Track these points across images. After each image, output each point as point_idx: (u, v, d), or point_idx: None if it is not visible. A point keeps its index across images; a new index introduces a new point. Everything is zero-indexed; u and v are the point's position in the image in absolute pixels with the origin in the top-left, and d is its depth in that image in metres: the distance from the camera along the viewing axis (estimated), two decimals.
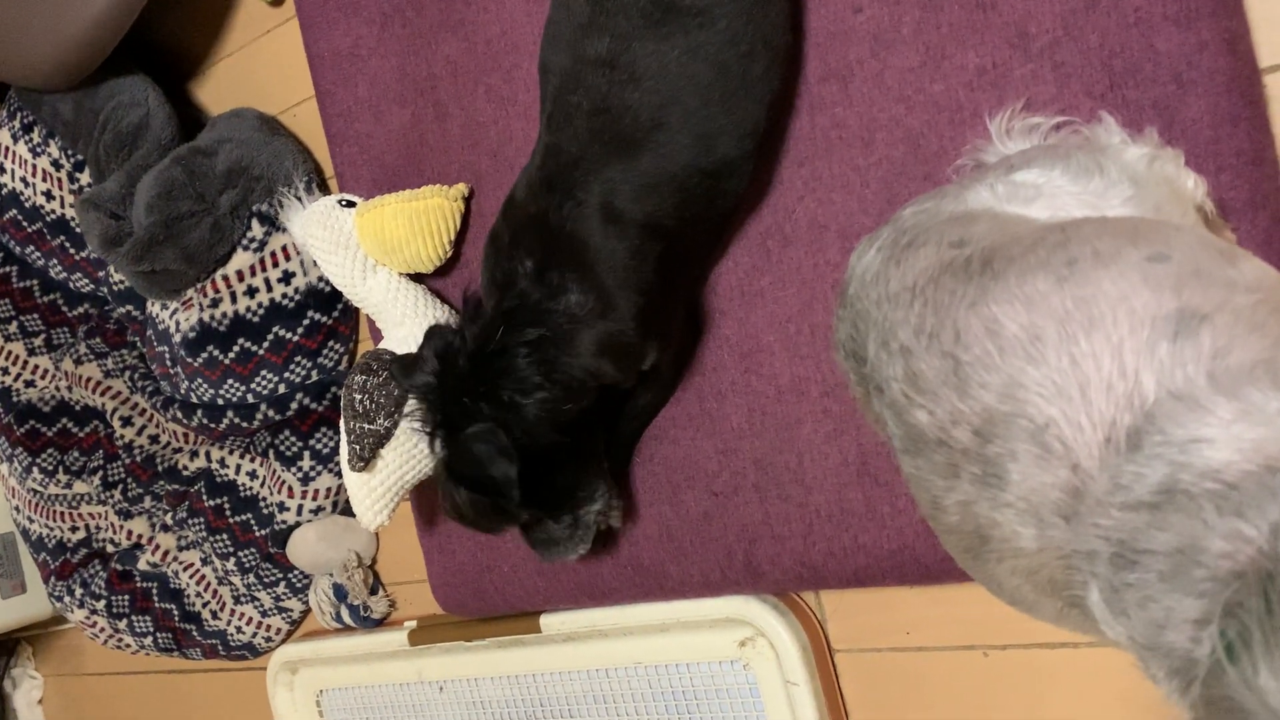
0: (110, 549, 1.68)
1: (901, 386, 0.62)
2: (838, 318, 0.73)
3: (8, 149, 1.54)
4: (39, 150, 1.51)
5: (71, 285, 1.63)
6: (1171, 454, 0.49)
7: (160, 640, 1.63)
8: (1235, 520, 0.45)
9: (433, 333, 0.99)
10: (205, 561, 1.57)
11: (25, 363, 1.64)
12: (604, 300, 0.90)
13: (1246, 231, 0.81)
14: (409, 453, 1.16)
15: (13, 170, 1.54)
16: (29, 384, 1.65)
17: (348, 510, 1.43)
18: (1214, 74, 0.82)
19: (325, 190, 1.40)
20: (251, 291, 1.35)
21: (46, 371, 1.65)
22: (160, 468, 1.61)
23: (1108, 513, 0.51)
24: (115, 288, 1.53)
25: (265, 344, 1.36)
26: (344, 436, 1.17)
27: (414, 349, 1.18)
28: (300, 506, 1.43)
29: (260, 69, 1.46)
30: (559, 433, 0.94)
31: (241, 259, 1.34)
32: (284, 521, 1.45)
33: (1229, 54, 0.81)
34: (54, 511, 1.67)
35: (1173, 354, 0.51)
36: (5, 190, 1.57)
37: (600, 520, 1.04)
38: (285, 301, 1.36)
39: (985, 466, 0.56)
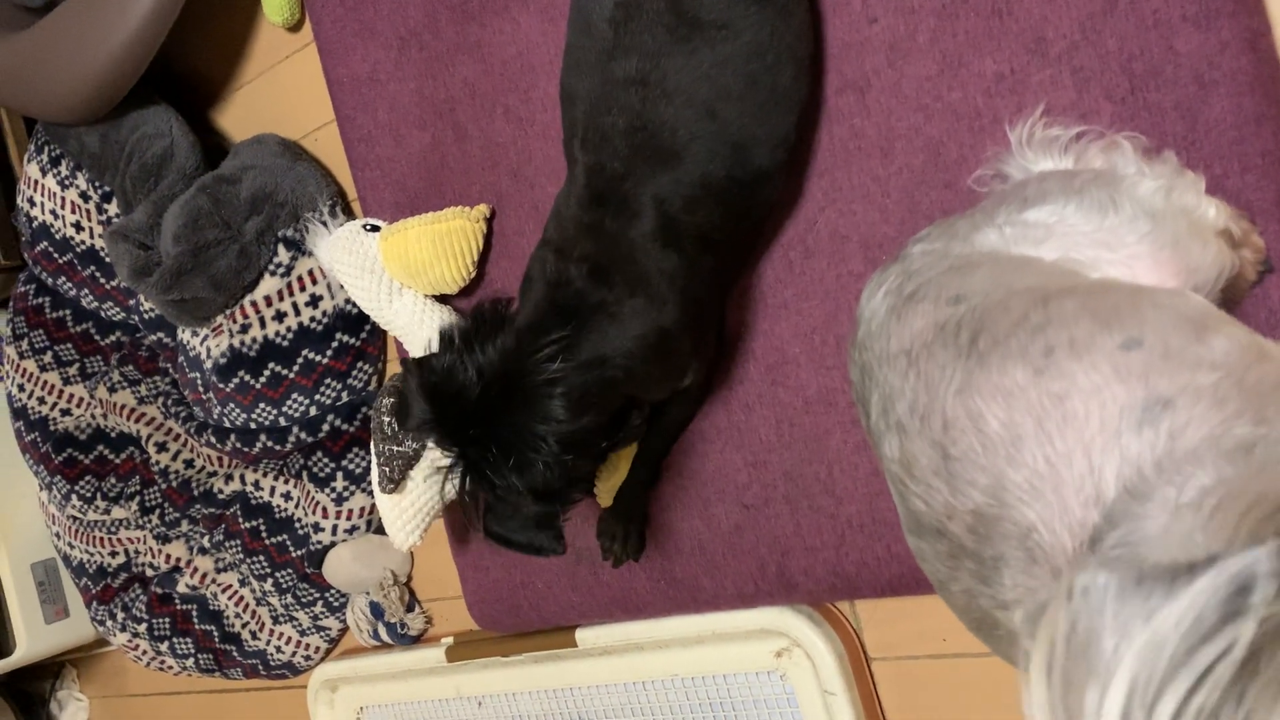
0: (150, 573, 1.70)
1: (898, 470, 0.63)
2: (850, 359, 0.73)
3: (37, 182, 1.56)
4: (67, 183, 1.53)
5: (103, 314, 1.65)
6: (1121, 555, 0.49)
7: (201, 661, 1.65)
8: None
9: (414, 366, 0.91)
10: (243, 583, 1.59)
11: (61, 392, 1.67)
12: (659, 304, 0.90)
13: (1274, 233, 0.80)
14: (439, 473, 1.17)
15: (42, 203, 1.57)
16: (65, 413, 1.67)
17: (382, 529, 1.45)
18: (1236, 74, 0.81)
19: (349, 214, 1.41)
20: (280, 316, 1.36)
21: (82, 400, 1.67)
22: (196, 492, 1.63)
23: None
24: (146, 316, 1.55)
25: (295, 367, 1.38)
26: (374, 459, 1.18)
27: None
28: (335, 526, 1.45)
29: (280, 95, 1.48)
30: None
31: (269, 284, 1.35)
32: (319, 542, 1.46)
33: (1250, 53, 0.81)
34: (93, 537, 1.69)
35: (1135, 444, 0.52)
36: (36, 223, 1.59)
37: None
38: (313, 325, 1.37)
39: (981, 565, 0.57)
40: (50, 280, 1.64)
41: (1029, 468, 0.54)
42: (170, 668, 1.71)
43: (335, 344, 1.38)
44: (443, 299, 1.25)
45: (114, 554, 1.70)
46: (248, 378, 1.38)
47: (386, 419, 1.17)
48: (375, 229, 1.24)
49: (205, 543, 1.64)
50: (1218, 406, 0.52)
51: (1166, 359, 0.55)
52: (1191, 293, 0.66)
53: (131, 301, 1.59)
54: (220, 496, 1.61)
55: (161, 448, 1.63)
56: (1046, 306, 0.59)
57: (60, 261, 1.60)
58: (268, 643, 1.60)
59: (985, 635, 0.61)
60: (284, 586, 1.52)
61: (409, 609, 1.47)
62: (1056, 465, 0.53)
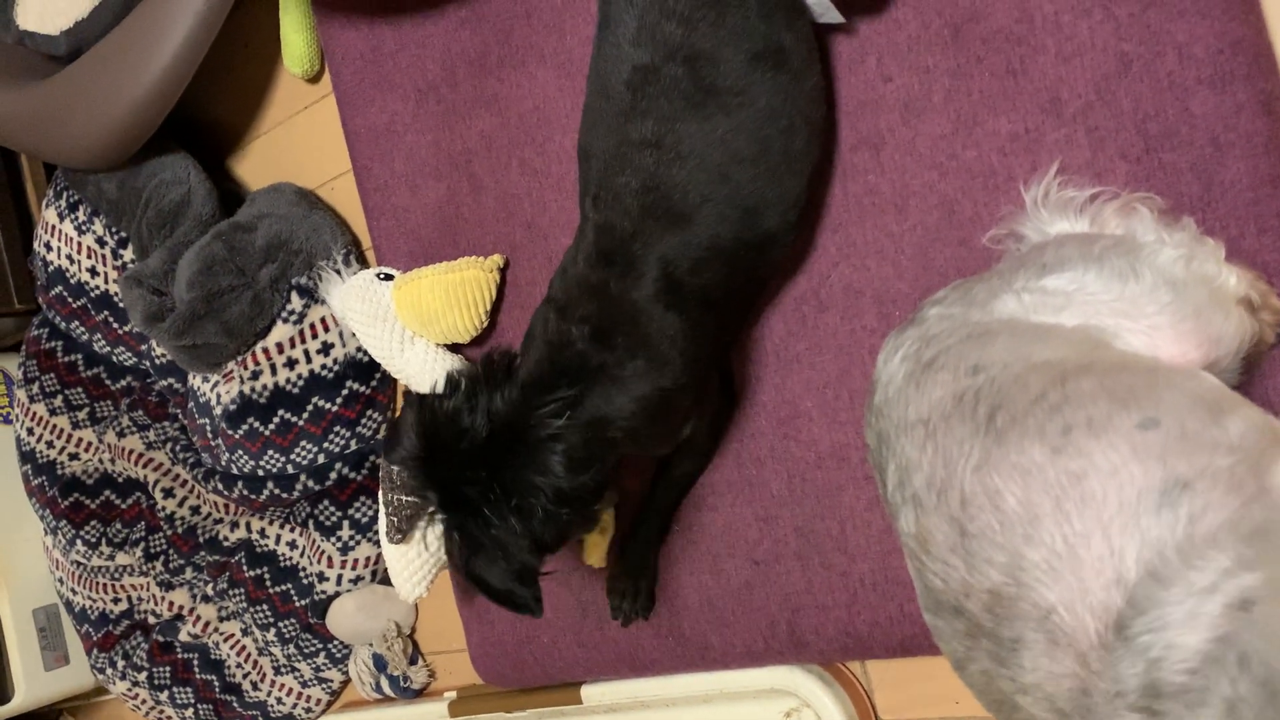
0: (152, 620, 1.69)
1: (914, 545, 0.62)
2: (867, 423, 0.73)
3: (54, 227, 1.57)
4: (84, 228, 1.55)
5: (115, 359, 1.65)
6: (1150, 642, 0.49)
7: (201, 711, 1.63)
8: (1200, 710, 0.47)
9: (416, 403, 0.92)
10: (246, 632, 1.57)
11: (70, 436, 1.66)
12: (660, 365, 0.90)
13: None
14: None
15: (59, 248, 1.58)
16: (73, 457, 1.67)
17: (387, 580, 1.43)
18: (1251, 136, 0.81)
19: (363, 263, 1.41)
20: (291, 363, 1.36)
21: (90, 444, 1.67)
22: (201, 539, 1.62)
23: (1118, 712, 0.51)
24: (157, 361, 1.55)
25: (305, 415, 1.37)
26: (382, 509, 1.18)
27: None
28: (340, 576, 1.43)
29: (298, 144, 1.49)
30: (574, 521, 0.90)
31: (281, 331, 1.36)
32: (323, 592, 1.45)
33: (1265, 116, 0.81)
34: (97, 583, 1.68)
35: (1155, 527, 0.52)
36: (52, 267, 1.60)
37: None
38: (324, 372, 1.37)
39: (999, 646, 0.56)
40: (64, 324, 1.64)
41: (1047, 547, 0.54)
42: (169, 718, 1.68)
43: (345, 391, 1.38)
44: (454, 348, 1.25)
45: (116, 600, 1.69)
46: (257, 424, 1.38)
47: (395, 468, 1.17)
48: (389, 278, 1.25)
49: (209, 590, 1.62)
50: (1235, 490, 0.52)
51: (1184, 440, 0.54)
52: (1205, 373, 0.66)
53: (143, 347, 1.59)
54: (225, 544, 1.60)
55: (168, 494, 1.62)
56: (1064, 385, 0.59)
57: (74, 306, 1.61)
58: (269, 694, 1.57)
59: (1005, 718, 0.59)
60: (287, 637, 1.51)
61: (412, 662, 1.45)
62: (1075, 546, 0.53)
